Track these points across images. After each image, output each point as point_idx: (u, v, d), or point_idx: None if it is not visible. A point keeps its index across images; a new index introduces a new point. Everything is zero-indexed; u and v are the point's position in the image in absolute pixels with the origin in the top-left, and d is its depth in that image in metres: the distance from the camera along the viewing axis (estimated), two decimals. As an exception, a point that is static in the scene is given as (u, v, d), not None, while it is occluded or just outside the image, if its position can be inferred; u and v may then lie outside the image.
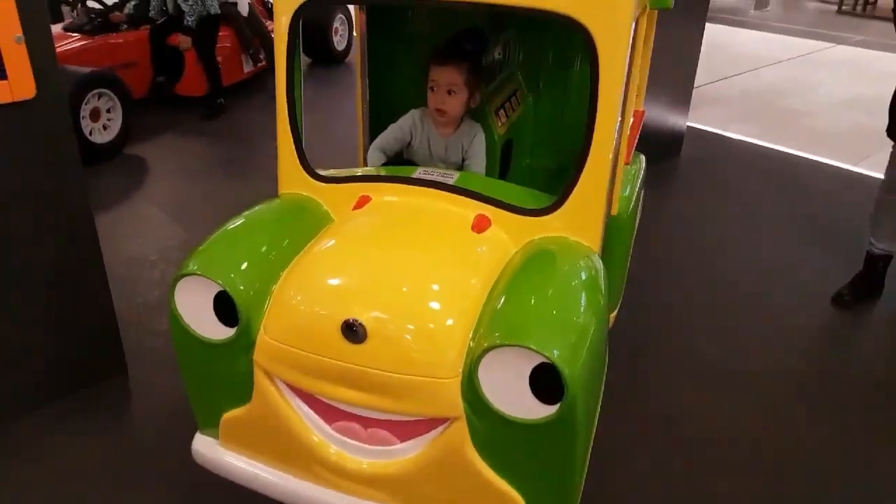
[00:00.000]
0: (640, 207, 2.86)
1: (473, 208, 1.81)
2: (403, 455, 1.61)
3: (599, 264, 1.75)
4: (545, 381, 1.41)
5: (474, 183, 1.93)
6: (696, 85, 6.05)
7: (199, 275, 1.62)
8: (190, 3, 5.39)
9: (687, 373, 2.78)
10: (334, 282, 1.65)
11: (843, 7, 11.21)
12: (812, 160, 5.03)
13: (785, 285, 3.41)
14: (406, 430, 1.59)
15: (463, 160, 2.35)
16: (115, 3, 5.84)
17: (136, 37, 5.50)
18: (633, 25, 1.69)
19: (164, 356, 2.73)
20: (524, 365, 1.41)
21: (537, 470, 1.54)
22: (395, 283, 1.60)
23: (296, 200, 1.95)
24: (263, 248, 1.76)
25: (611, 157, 1.73)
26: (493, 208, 1.81)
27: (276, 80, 1.92)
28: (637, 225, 2.98)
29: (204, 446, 1.87)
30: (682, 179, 4.80)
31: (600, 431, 2.31)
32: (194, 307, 1.67)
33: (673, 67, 4.58)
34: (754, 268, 3.58)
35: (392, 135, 2.37)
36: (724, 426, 2.51)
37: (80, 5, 5.91)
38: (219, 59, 5.69)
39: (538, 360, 1.39)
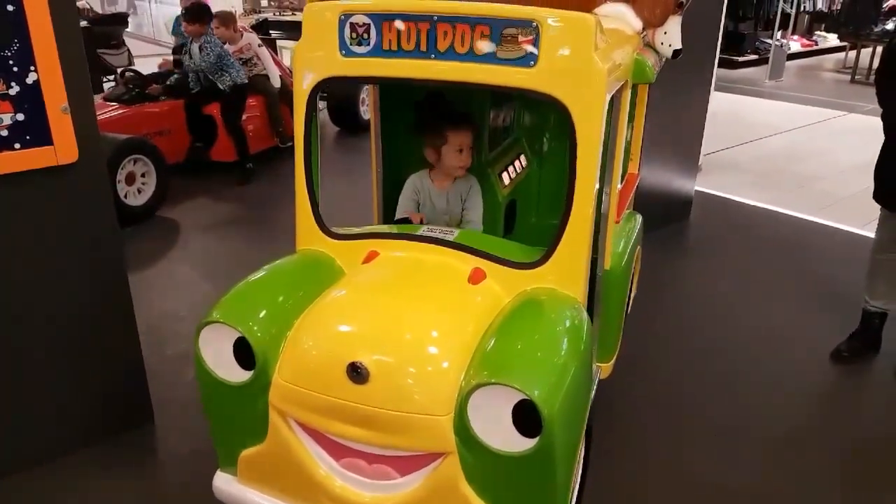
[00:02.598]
0: (636, 263, 3.01)
1: (470, 262, 2.01)
2: (403, 489, 1.76)
3: (584, 314, 1.92)
4: (527, 417, 1.57)
5: (472, 239, 2.13)
6: (710, 151, 6.22)
7: (221, 322, 1.82)
8: (204, 61, 5.68)
9: (690, 430, 2.84)
10: (342, 328, 1.83)
11: (857, 77, 11.43)
12: (818, 223, 5.15)
13: (788, 343, 3.48)
14: (406, 465, 1.74)
15: (463, 209, 2.60)
16: (156, 75, 6.23)
17: (170, 106, 5.85)
18: (608, 100, 1.89)
19: (190, 405, 2.87)
20: (508, 401, 1.57)
21: (522, 501, 1.67)
22: (396, 329, 1.78)
23: (311, 256, 2.16)
24: (280, 299, 1.95)
25: (591, 215, 1.91)
26: (487, 262, 2.00)
27: (295, 148, 2.15)
28: (635, 280, 3.12)
29: (224, 483, 2.03)
30: (690, 242, 4.93)
31: (609, 487, 2.43)
32: (216, 352, 1.86)
33: (680, 134, 4.79)
34: (758, 326, 3.66)
35: (406, 198, 2.62)
36: (728, 481, 2.57)
37: (121, 77, 6.33)
38: (249, 127, 6.03)
39: (520, 397, 1.55)
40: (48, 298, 2.43)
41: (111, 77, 8.12)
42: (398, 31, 1.91)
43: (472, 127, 2.51)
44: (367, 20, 1.95)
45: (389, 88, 2.69)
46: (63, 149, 2.27)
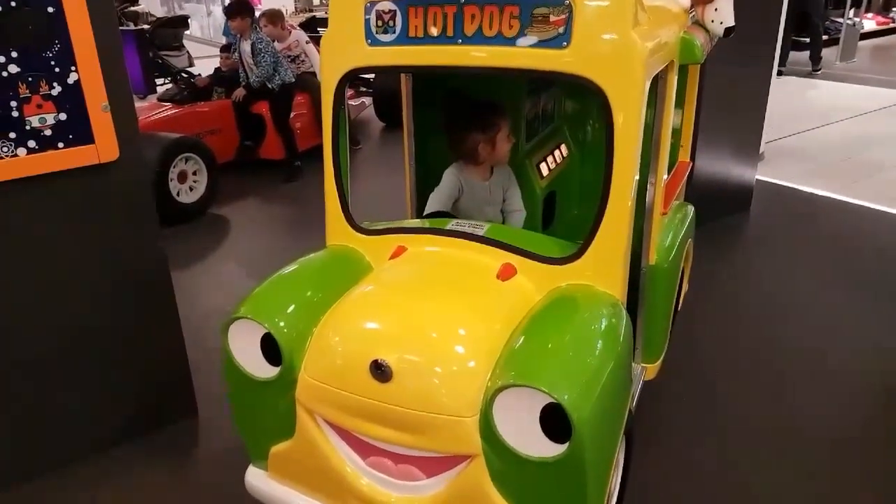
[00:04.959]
0: (687, 257, 2.86)
1: (500, 258, 1.92)
2: (429, 491, 1.69)
3: (622, 312, 1.81)
4: (557, 421, 1.48)
5: (502, 234, 2.04)
6: (773, 138, 5.92)
7: (248, 318, 1.80)
8: (262, 67, 5.70)
9: (741, 433, 2.68)
10: (366, 325, 1.78)
11: (937, 55, 10.81)
12: (888, 213, 4.85)
13: (852, 341, 3.27)
14: (432, 466, 1.68)
15: (504, 199, 2.57)
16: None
17: (220, 106, 5.95)
18: (649, 82, 1.77)
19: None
20: (535, 405, 1.49)
21: (552, 507, 1.58)
22: (421, 326, 1.72)
23: (340, 251, 2.12)
24: (307, 294, 1.92)
25: (630, 205, 1.80)
26: (518, 257, 1.91)
27: (323, 143, 2.10)
28: (686, 275, 2.97)
29: (255, 478, 2.01)
30: (749, 235, 4.70)
31: (649, 484, 2.32)
32: (244, 347, 1.84)
33: (739, 119, 4.57)
34: (820, 323, 3.45)
35: (445, 194, 2.53)
36: (777, 490, 2.42)
37: (177, 77, 6.45)
38: (297, 125, 6.06)
39: (547, 400, 1.46)
40: (91, 294, 2.46)
41: (167, 79, 8.33)
42: (424, 17, 1.84)
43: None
44: (392, 6, 1.89)
45: (423, 80, 2.62)
46: (104, 147, 2.31)
